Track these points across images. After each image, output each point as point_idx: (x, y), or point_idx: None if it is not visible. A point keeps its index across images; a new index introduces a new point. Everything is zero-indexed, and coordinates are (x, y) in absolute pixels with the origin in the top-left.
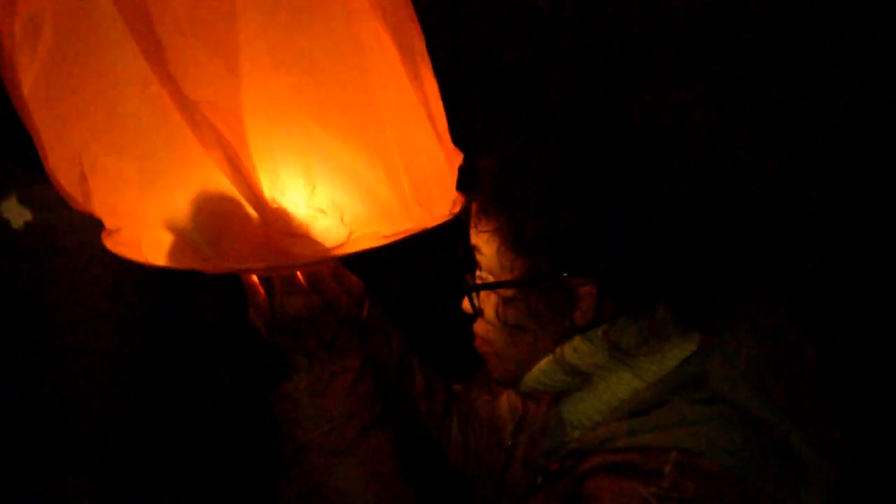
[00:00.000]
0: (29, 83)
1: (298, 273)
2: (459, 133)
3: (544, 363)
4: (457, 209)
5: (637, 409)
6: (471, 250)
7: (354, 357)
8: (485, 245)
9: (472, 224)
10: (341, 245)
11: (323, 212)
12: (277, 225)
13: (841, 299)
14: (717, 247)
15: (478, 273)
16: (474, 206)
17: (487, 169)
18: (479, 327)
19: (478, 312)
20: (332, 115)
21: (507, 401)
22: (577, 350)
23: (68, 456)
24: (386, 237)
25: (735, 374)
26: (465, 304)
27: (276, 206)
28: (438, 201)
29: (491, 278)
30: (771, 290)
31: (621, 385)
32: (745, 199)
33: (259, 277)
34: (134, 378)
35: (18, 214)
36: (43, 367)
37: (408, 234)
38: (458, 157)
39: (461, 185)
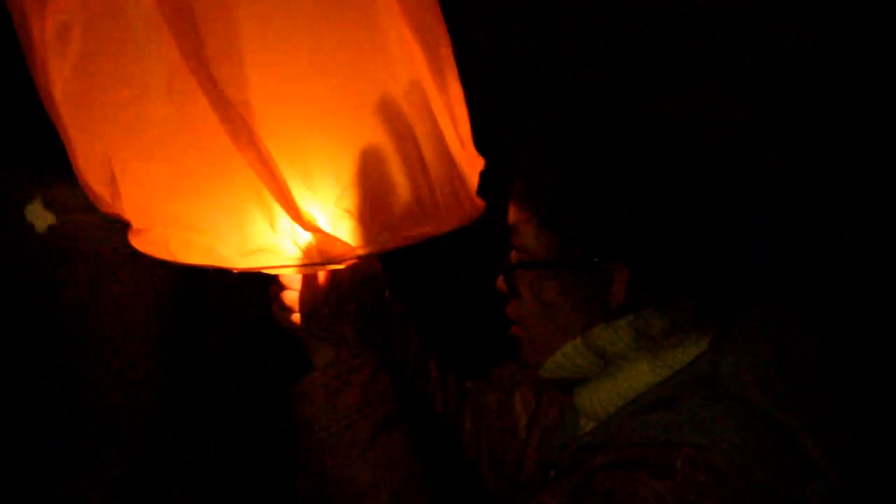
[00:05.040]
0: (60, 87)
1: (325, 270)
2: (482, 138)
3: (568, 346)
4: (477, 213)
5: (650, 404)
6: (508, 231)
7: (373, 353)
8: (524, 224)
9: (512, 203)
10: (366, 245)
11: (350, 212)
12: (305, 224)
13: (848, 303)
14: (743, 246)
15: (513, 255)
16: (516, 186)
17: (531, 150)
18: (512, 308)
19: (512, 292)
20: (360, 119)
21: (520, 397)
22: (601, 336)
23: (89, 456)
24: (408, 238)
25: (745, 372)
26: (500, 283)
27: (305, 206)
28: (460, 205)
29: (527, 259)
30: (779, 293)
31: (639, 377)
32: (772, 201)
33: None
34: (154, 377)
35: (42, 218)
36: (64, 368)
37: (430, 236)
38: (479, 163)
39: (481, 190)
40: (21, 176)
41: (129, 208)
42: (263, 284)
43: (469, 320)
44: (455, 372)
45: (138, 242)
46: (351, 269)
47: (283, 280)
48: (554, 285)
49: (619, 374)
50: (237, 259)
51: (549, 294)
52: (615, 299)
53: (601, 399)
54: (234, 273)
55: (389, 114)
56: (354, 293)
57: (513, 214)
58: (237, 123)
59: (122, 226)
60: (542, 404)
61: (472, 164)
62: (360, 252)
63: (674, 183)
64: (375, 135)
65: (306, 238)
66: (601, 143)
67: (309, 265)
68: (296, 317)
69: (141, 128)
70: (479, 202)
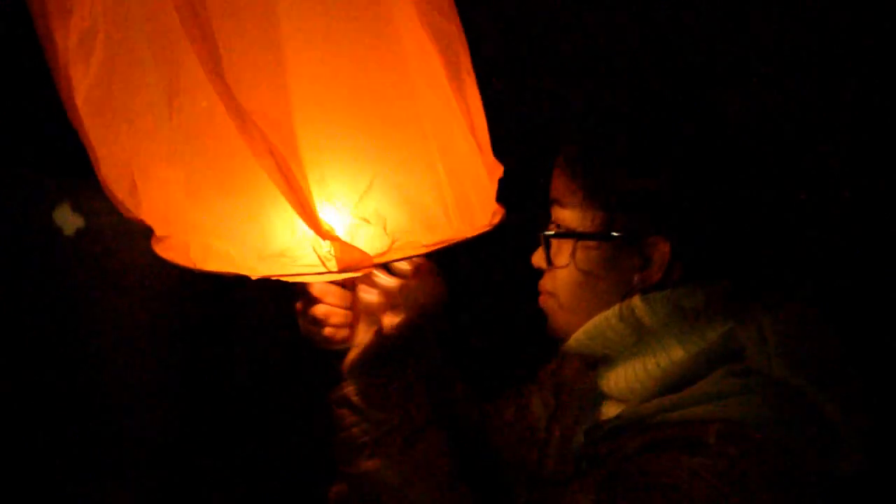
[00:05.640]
0: (82, 94)
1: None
2: (500, 145)
3: (600, 317)
4: (496, 220)
5: (677, 383)
6: (549, 204)
7: (414, 360)
8: (568, 196)
9: (556, 175)
10: (384, 253)
11: (367, 221)
12: (323, 233)
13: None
14: (782, 230)
15: (552, 228)
16: (562, 158)
17: (581, 124)
18: (546, 281)
19: (549, 263)
20: (378, 126)
21: (538, 400)
22: (637, 308)
23: (115, 455)
24: (427, 246)
25: (771, 347)
26: (537, 257)
27: (322, 214)
28: (479, 212)
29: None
30: (797, 281)
31: (667, 355)
32: (814, 193)
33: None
34: (178, 378)
35: (71, 221)
36: (91, 367)
37: (448, 244)
38: (498, 170)
39: (500, 196)
40: (50, 180)
41: (150, 215)
42: (289, 288)
43: (490, 332)
44: (475, 389)
45: (161, 249)
46: (425, 280)
47: (316, 292)
48: (594, 256)
49: (648, 351)
50: (256, 265)
51: (589, 265)
52: (654, 275)
53: (629, 378)
54: (252, 281)
55: (406, 121)
56: (428, 305)
57: (557, 186)
58: (253, 132)
59: (148, 230)
60: (562, 402)
61: (491, 171)
62: (376, 261)
63: (718, 164)
64: (392, 142)
65: (325, 246)
66: (649, 120)
67: (326, 273)
68: (328, 330)
69: (160, 134)
70: (499, 208)
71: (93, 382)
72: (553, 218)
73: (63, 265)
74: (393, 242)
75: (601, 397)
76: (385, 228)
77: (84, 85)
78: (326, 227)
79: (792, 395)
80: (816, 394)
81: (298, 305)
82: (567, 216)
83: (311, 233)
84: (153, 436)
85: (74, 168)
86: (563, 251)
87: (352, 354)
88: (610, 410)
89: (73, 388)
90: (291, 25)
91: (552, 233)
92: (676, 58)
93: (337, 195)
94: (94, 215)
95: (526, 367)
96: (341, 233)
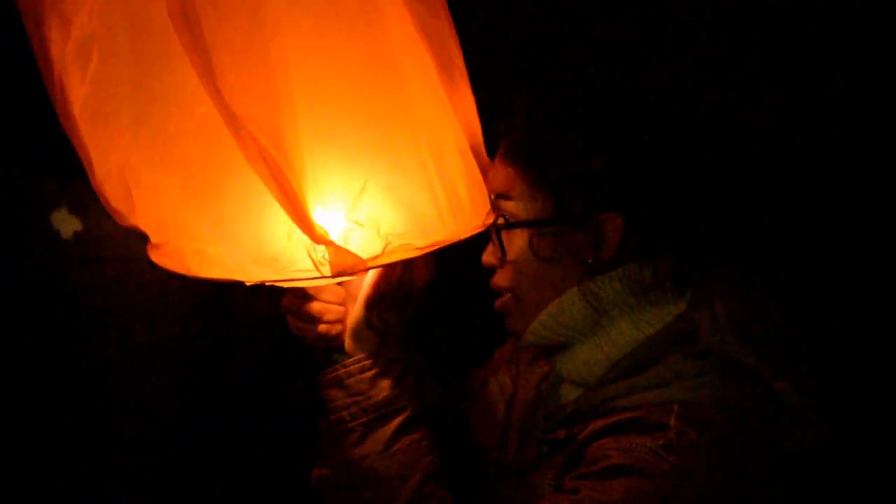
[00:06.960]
0: (79, 103)
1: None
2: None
3: (551, 306)
4: (490, 220)
5: (634, 366)
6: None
7: (406, 350)
8: (515, 186)
9: (496, 167)
10: (377, 256)
11: (360, 224)
12: (317, 237)
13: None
14: (729, 208)
15: (499, 222)
16: (501, 150)
17: (519, 113)
18: (501, 278)
19: (503, 257)
20: (370, 130)
21: (496, 385)
22: (590, 290)
23: (115, 458)
24: (420, 248)
25: (723, 327)
26: (488, 254)
27: (316, 218)
28: (472, 213)
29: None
30: (745, 262)
31: (622, 336)
32: (759, 175)
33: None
34: (179, 380)
35: (68, 224)
36: (90, 371)
37: (441, 245)
38: (491, 170)
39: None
40: (47, 183)
41: (144, 221)
42: (284, 291)
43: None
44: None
45: (156, 256)
46: (416, 266)
47: (311, 290)
48: (549, 242)
49: (602, 333)
50: (250, 270)
51: (545, 252)
52: (607, 252)
53: (586, 361)
54: (247, 286)
55: (399, 123)
56: (417, 288)
57: (499, 178)
58: (246, 138)
59: (143, 235)
60: (519, 386)
61: (484, 172)
62: (370, 265)
63: (662, 134)
64: (385, 145)
65: (319, 250)
66: (590, 100)
67: (321, 277)
68: (323, 327)
69: (155, 141)
70: (492, 209)
71: (91, 384)
72: (499, 209)
73: (61, 268)
74: (386, 245)
75: (559, 381)
76: (378, 231)
77: (81, 93)
78: (320, 232)
79: (745, 374)
80: (768, 372)
81: (285, 302)
82: (515, 207)
83: (305, 237)
84: (152, 437)
85: (72, 170)
86: (516, 243)
87: (349, 336)
88: (569, 394)
89: (71, 390)
90: (282, 30)
91: (503, 225)
92: (614, 33)
93: (330, 199)
94: (92, 218)
95: (483, 355)
96: (335, 237)
